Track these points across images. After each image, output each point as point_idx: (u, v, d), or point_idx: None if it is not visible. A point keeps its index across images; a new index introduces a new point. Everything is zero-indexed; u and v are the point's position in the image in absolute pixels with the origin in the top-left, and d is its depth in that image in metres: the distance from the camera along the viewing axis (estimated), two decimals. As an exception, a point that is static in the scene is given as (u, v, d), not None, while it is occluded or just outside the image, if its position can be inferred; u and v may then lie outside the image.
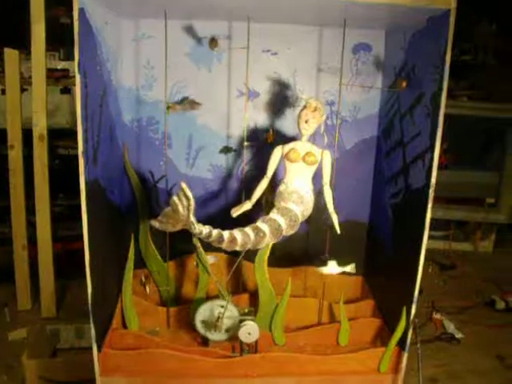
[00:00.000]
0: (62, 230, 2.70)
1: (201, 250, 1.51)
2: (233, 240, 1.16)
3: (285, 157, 1.28)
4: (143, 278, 1.67)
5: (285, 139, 1.66)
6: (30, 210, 2.17)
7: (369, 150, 1.73)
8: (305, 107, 1.27)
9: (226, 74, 1.62)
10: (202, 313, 1.50)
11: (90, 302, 1.30)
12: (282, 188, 1.30)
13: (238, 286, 1.71)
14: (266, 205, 1.53)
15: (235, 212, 1.33)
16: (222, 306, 1.45)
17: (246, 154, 1.59)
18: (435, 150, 1.28)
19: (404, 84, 1.35)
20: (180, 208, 1.08)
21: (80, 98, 1.15)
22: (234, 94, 1.63)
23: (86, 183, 1.21)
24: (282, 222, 1.22)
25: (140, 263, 1.68)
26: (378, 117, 1.69)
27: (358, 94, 1.67)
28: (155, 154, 1.70)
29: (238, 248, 1.17)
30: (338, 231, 1.30)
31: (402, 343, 1.46)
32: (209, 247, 1.33)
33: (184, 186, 1.06)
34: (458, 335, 2.20)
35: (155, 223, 1.13)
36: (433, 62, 1.30)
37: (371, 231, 1.79)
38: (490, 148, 3.21)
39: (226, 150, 1.68)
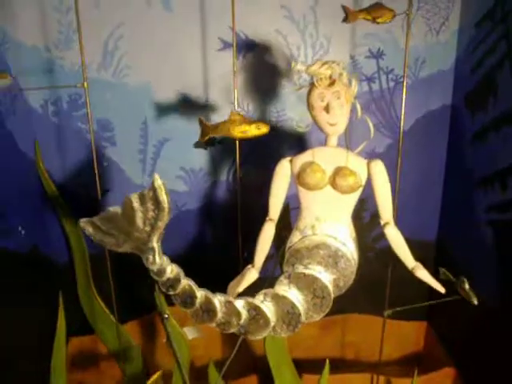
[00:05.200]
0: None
1: (173, 322, 1.03)
2: (208, 310, 0.78)
3: (296, 180, 0.82)
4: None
5: (289, 134, 1.14)
6: None
7: (439, 130, 1.21)
8: (313, 85, 0.78)
9: (198, 14, 1.06)
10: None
11: None
12: (294, 237, 0.84)
13: (240, 361, 1.12)
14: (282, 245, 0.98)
15: (233, 288, 0.88)
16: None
17: (241, 147, 1.02)
18: None
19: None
20: (138, 217, 0.72)
21: None
22: (213, 45, 1.09)
23: None
24: (299, 299, 0.79)
25: (86, 328, 1.23)
26: (453, 74, 1.17)
27: (422, 37, 1.13)
28: (90, 154, 1.08)
29: (212, 325, 0.79)
30: (442, 290, 0.84)
31: None
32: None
33: (158, 178, 0.67)
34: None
35: (86, 226, 0.75)
36: None
37: (442, 255, 1.29)
38: None
39: (205, 142, 1.11)
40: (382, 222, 0.83)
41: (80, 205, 1.17)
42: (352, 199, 0.81)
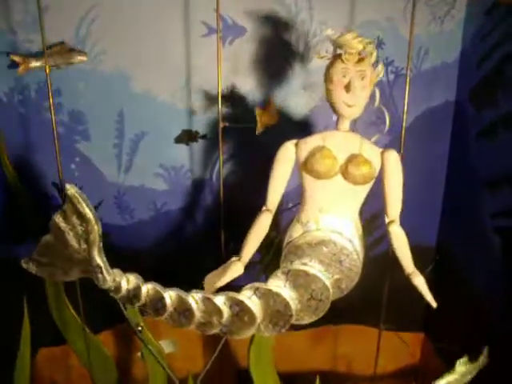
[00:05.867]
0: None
1: (149, 335, 0.96)
2: (184, 311, 0.72)
3: (302, 166, 0.74)
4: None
5: (293, 124, 1.06)
6: None
7: (441, 127, 1.12)
8: (339, 58, 0.69)
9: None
10: None
11: None
12: (295, 231, 0.77)
13: (222, 374, 1.09)
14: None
15: (212, 280, 0.78)
16: None
17: (225, 143, 0.99)
18: None
19: None
20: (70, 237, 0.69)
21: None
22: (197, 31, 0.99)
23: None
24: (292, 297, 0.72)
25: (59, 338, 1.10)
26: (458, 66, 1.08)
27: (424, 27, 1.03)
28: (61, 149, 0.97)
29: (192, 327, 0.74)
30: (434, 304, 0.79)
31: None
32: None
33: (69, 187, 0.64)
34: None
35: (29, 265, 0.74)
36: None
37: (442, 261, 1.20)
38: None
39: (187, 136, 1.06)
40: (388, 220, 0.76)
41: (49, 204, 1.06)
42: (362, 192, 0.74)
